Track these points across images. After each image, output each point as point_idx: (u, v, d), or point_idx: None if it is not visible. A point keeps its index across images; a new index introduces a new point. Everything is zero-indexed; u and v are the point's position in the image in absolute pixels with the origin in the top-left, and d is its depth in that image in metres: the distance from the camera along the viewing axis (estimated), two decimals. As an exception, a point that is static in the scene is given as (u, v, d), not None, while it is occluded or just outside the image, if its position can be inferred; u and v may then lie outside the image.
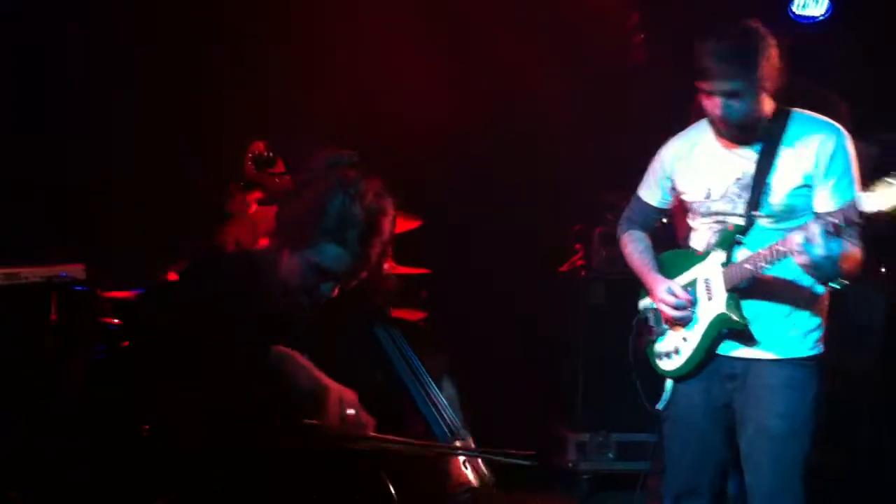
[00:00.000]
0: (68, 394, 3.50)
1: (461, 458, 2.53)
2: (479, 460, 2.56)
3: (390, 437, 2.33)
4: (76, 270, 3.37)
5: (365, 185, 2.35)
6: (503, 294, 4.62)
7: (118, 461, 3.26)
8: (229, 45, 4.37)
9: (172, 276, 3.83)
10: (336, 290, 2.38)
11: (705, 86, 2.67)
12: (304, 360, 2.30)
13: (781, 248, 2.60)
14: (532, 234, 4.61)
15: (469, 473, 2.56)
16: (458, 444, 2.56)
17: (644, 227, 3.05)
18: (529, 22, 4.52)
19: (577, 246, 4.37)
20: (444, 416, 2.55)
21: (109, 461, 3.27)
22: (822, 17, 4.42)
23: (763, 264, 2.67)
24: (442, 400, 2.59)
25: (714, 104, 2.68)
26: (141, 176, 4.19)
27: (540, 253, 4.52)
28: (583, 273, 4.30)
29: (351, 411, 2.27)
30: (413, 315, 4.00)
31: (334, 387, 2.28)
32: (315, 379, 2.28)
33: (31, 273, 3.28)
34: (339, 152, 2.40)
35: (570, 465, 4.20)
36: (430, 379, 2.60)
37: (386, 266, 2.66)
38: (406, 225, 3.95)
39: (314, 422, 2.24)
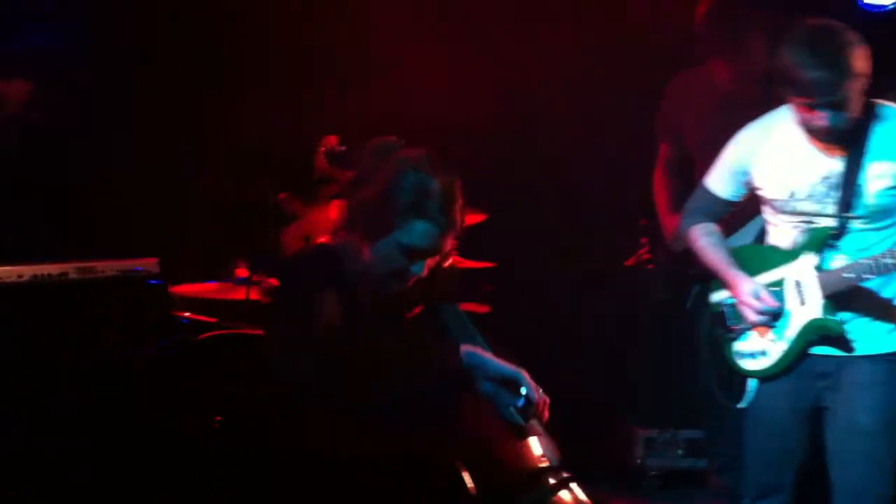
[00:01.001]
0: (138, 386, 3.58)
1: (538, 454, 2.51)
2: (558, 457, 2.55)
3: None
4: (150, 264, 3.43)
5: (427, 159, 2.35)
6: (567, 288, 4.61)
7: (187, 452, 3.33)
8: (292, 49, 4.41)
9: (241, 272, 3.90)
10: (398, 283, 2.37)
11: (803, 100, 2.58)
12: (484, 352, 2.38)
13: (890, 262, 2.56)
14: (596, 228, 4.59)
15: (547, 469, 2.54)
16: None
17: (712, 219, 2.94)
18: (577, 16, 4.51)
19: (643, 240, 4.34)
20: (517, 407, 2.54)
21: (179, 451, 3.34)
22: (892, 6, 4.33)
23: (867, 276, 2.61)
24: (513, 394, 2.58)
25: (818, 116, 2.58)
26: (211, 173, 4.24)
27: (605, 247, 4.50)
28: (649, 267, 4.28)
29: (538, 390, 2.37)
30: (478, 309, 4.01)
31: (519, 369, 2.37)
32: (504, 366, 2.37)
33: (107, 267, 3.33)
34: (387, 139, 2.40)
35: (637, 461, 4.18)
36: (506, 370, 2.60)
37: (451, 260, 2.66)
38: (472, 219, 3.96)
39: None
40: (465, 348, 2.38)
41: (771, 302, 2.73)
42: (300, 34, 4.39)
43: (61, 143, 4.00)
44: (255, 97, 4.31)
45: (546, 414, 2.45)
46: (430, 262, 2.39)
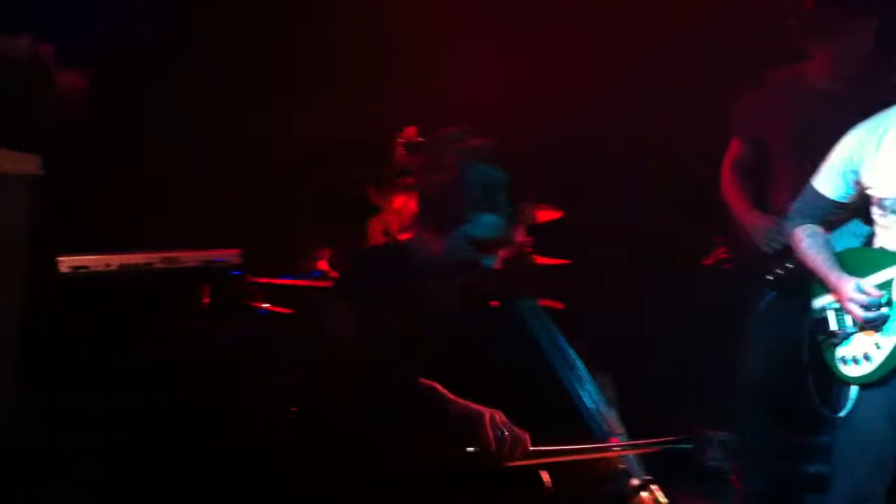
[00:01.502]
0: (218, 375, 3.65)
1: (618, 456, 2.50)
2: (638, 460, 2.53)
3: (548, 448, 2.35)
4: (232, 255, 3.50)
5: (490, 150, 2.37)
6: (641, 287, 4.57)
7: (264, 441, 3.39)
8: (377, 38, 4.44)
9: (322, 265, 3.95)
10: (460, 279, 2.40)
11: None
12: (444, 391, 2.35)
13: None
14: (671, 227, 4.55)
15: (627, 471, 2.53)
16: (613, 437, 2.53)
17: (818, 221, 2.91)
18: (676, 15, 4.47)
19: (719, 239, 4.28)
20: (600, 409, 2.53)
21: (255, 441, 3.40)
22: None
23: None
24: (598, 396, 2.57)
25: None
26: (293, 166, 4.30)
27: (683, 245, 4.45)
28: (726, 267, 4.22)
29: (505, 432, 2.31)
30: (552, 305, 4.01)
31: (484, 410, 2.33)
32: (464, 405, 2.34)
33: (190, 257, 3.41)
34: (454, 129, 2.41)
35: (711, 463, 4.14)
36: (587, 371, 2.59)
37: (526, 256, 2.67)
38: (547, 216, 3.97)
39: (474, 449, 2.30)
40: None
41: (875, 293, 2.66)
42: (376, 26, 4.42)
43: (146, 134, 4.09)
44: (337, 90, 4.35)
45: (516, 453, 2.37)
46: (504, 255, 2.40)
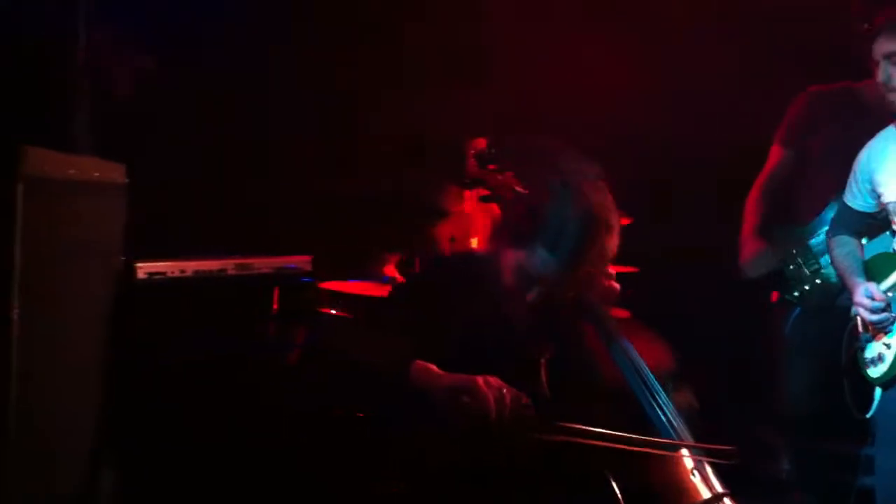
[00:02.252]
0: (290, 380, 3.71)
1: (689, 467, 2.48)
2: (710, 471, 2.50)
3: (580, 426, 2.27)
4: (303, 262, 3.56)
5: (592, 197, 2.32)
6: (710, 294, 4.54)
7: (332, 445, 3.43)
8: (446, 44, 4.47)
9: (390, 270, 4.00)
10: (541, 298, 2.38)
11: None
12: (436, 369, 2.26)
13: None
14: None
15: (699, 484, 2.50)
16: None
17: (852, 232, 3.07)
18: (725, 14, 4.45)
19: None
20: (672, 420, 2.51)
21: (325, 445, 3.44)
22: None
23: None
24: (669, 403, 2.55)
25: None
26: (362, 172, 4.35)
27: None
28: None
29: (503, 390, 2.22)
30: (619, 313, 3.99)
31: (476, 377, 2.24)
32: (455, 377, 2.24)
33: (263, 264, 3.48)
34: (583, 160, 2.39)
35: (783, 474, 4.10)
36: (657, 380, 2.58)
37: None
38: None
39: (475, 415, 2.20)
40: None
41: (879, 296, 2.77)
42: (452, 31, 4.46)
43: (220, 141, 4.17)
44: (407, 94, 4.39)
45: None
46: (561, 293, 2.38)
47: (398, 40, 4.45)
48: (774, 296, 3.97)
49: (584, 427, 2.28)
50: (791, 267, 3.57)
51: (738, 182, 4.38)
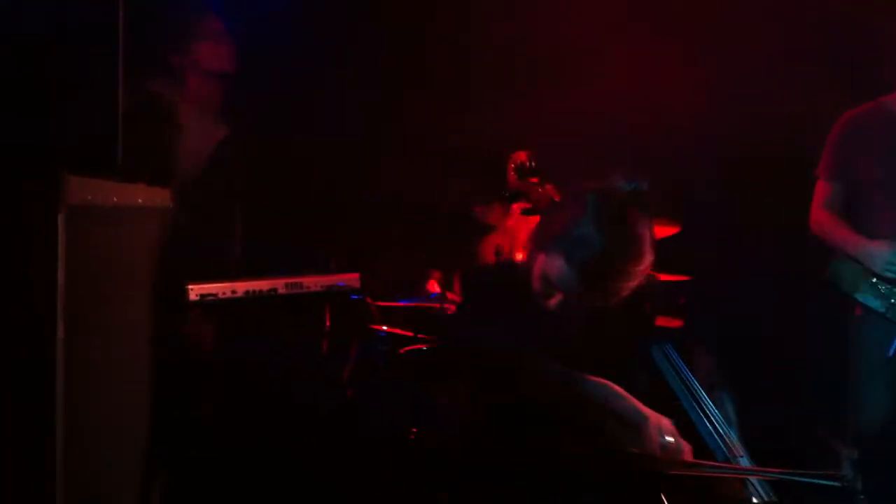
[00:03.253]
0: (343, 398, 3.74)
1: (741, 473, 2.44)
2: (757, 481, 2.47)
3: (705, 462, 2.29)
4: (352, 280, 3.60)
5: (619, 206, 2.28)
6: (765, 300, 4.47)
7: (383, 462, 3.45)
8: (489, 56, 4.47)
9: (432, 286, 4.01)
10: (561, 307, 2.35)
11: None
12: (618, 389, 2.30)
13: None
14: (798, 236, 4.42)
15: (750, 491, 2.46)
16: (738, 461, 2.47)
17: None
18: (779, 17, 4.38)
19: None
20: (721, 432, 2.47)
21: (376, 462, 3.46)
22: None
23: None
24: (717, 415, 2.51)
25: None
26: (402, 187, 4.37)
27: (808, 256, 4.32)
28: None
29: (670, 439, 2.25)
30: (671, 322, 3.95)
31: (653, 415, 2.26)
32: (635, 407, 2.27)
33: (313, 282, 3.52)
34: (628, 175, 2.35)
35: (843, 483, 3.99)
36: (704, 393, 2.54)
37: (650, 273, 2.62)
38: (665, 231, 3.92)
39: (635, 450, 2.24)
40: (593, 380, 2.32)
41: None
42: (494, 41, 4.45)
43: (272, 160, 4.23)
44: (452, 108, 4.40)
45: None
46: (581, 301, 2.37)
47: (435, 51, 4.46)
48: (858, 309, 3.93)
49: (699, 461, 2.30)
50: (893, 269, 3.52)
51: (790, 188, 4.32)
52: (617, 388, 2.30)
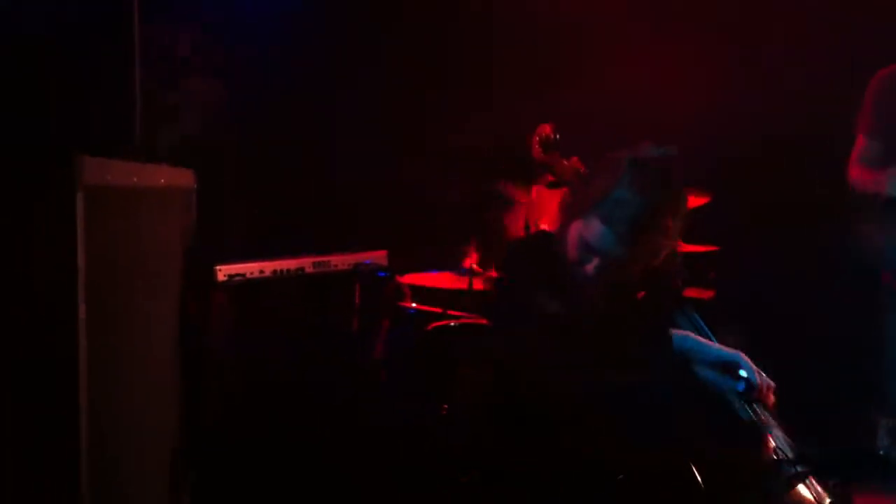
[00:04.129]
0: (373, 375, 3.74)
1: (773, 446, 2.42)
2: (787, 448, 2.43)
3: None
4: (380, 257, 3.59)
5: (656, 168, 2.30)
6: (798, 272, 4.41)
7: (417, 438, 3.45)
8: (513, 37, 4.45)
9: (469, 262, 3.99)
10: (599, 271, 2.35)
11: None
12: (698, 337, 2.35)
13: None
14: (829, 205, 4.36)
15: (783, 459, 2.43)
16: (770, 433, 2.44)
17: None
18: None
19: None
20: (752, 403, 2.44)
21: (411, 437, 3.46)
22: None
23: None
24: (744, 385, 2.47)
25: None
26: (430, 165, 4.36)
27: (841, 225, 4.26)
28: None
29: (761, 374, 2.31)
30: (702, 294, 3.91)
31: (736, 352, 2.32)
32: (721, 348, 2.32)
33: (340, 261, 3.52)
34: (656, 145, 2.36)
35: (881, 452, 3.93)
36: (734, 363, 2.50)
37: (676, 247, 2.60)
38: (696, 201, 3.87)
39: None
40: (677, 332, 2.33)
41: None
42: (519, 30, 4.44)
43: (298, 140, 4.23)
44: (476, 91, 4.40)
45: (771, 398, 2.36)
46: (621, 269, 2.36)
47: (469, 34, 4.44)
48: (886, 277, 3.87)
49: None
50: None
51: (819, 156, 4.26)
52: (697, 336, 2.34)
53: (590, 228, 2.32)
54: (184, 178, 2.87)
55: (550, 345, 2.29)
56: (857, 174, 3.76)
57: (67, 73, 2.17)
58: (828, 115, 4.12)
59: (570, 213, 2.42)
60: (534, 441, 2.34)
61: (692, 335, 2.35)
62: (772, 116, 4.41)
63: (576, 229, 2.36)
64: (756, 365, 2.41)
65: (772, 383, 2.35)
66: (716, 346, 2.35)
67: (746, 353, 2.50)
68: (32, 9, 2.04)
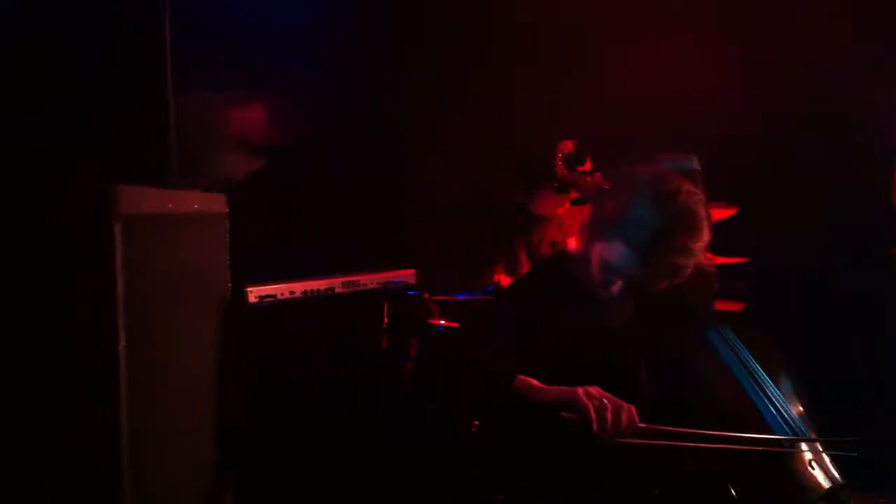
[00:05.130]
0: (405, 393, 3.76)
1: (807, 459, 2.40)
2: (828, 461, 2.42)
3: (671, 428, 2.17)
4: (408, 276, 3.62)
5: (675, 186, 2.28)
6: (830, 281, 4.38)
7: (448, 456, 3.46)
8: (530, 46, 4.47)
9: (499, 278, 4.01)
10: (625, 291, 2.34)
11: None
12: (535, 383, 2.21)
13: None
14: (856, 215, 4.34)
15: (819, 476, 2.39)
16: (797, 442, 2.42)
17: None
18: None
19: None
20: (785, 415, 2.43)
21: (440, 456, 3.47)
22: None
23: None
24: (781, 398, 2.47)
25: None
26: (460, 181, 4.38)
27: (867, 234, 4.24)
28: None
29: (604, 401, 2.14)
30: (732, 306, 3.90)
31: (577, 388, 2.17)
32: (555, 390, 2.19)
33: (369, 280, 3.55)
34: (678, 156, 2.37)
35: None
36: (767, 376, 2.50)
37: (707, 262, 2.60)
38: (721, 213, 3.87)
39: (569, 415, 2.13)
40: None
41: None
42: (541, 34, 4.44)
43: (319, 160, 4.27)
44: (496, 101, 4.40)
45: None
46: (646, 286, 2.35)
47: (487, 45, 4.45)
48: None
49: (691, 430, 2.20)
50: None
51: (847, 166, 4.24)
52: (535, 383, 2.21)
53: (612, 250, 2.31)
54: (216, 203, 2.91)
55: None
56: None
57: (100, 98, 2.21)
58: (856, 119, 4.08)
59: (590, 233, 2.41)
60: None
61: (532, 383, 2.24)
62: (797, 121, 4.36)
63: (598, 251, 2.35)
64: None
65: (623, 407, 2.16)
66: (550, 389, 2.21)
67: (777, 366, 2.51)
68: (66, 44, 2.09)
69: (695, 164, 2.39)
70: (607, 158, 2.85)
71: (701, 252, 2.33)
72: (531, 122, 4.16)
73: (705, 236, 2.32)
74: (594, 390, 2.16)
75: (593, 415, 2.10)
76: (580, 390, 2.15)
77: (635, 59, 4.33)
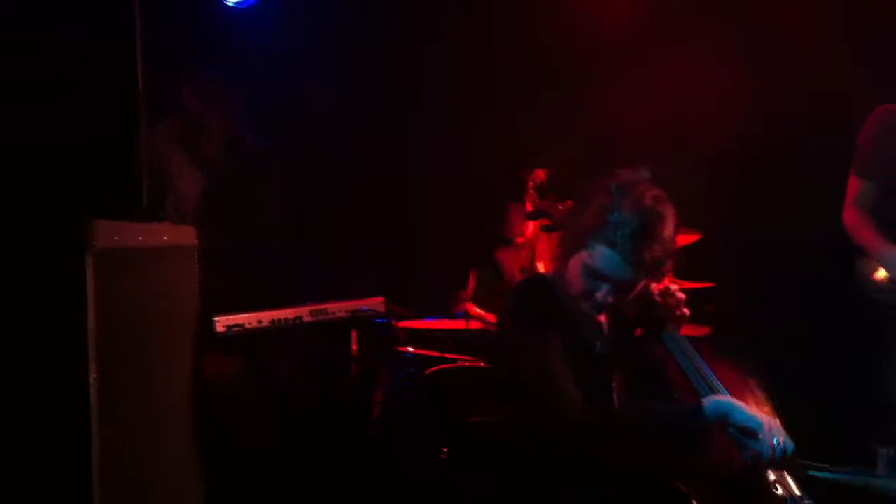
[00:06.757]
0: (375, 419, 3.75)
1: (771, 478, 2.44)
2: (791, 482, 2.46)
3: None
4: (377, 304, 3.61)
5: (642, 188, 2.37)
6: (798, 302, 4.45)
7: (418, 481, 3.46)
8: (507, 73, 4.51)
9: (467, 306, 4.02)
10: (611, 296, 2.39)
11: None
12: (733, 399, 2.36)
13: None
14: (824, 240, 4.40)
15: (780, 492, 2.46)
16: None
17: None
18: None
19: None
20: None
21: (408, 481, 3.47)
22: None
23: None
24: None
25: None
26: (430, 209, 4.39)
27: (836, 259, 4.30)
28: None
29: (780, 438, 2.31)
30: (698, 330, 3.94)
31: (765, 418, 2.33)
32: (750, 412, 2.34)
33: (338, 308, 3.54)
34: (631, 169, 2.44)
35: (880, 480, 3.95)
36: (725, 390, 2.54)
37: (674, 289, 2.66)
38: (686, 239, 3.92)
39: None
40: (711, 399, 2.36)
41: None
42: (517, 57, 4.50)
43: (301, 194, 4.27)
44: (474, 125, 4.44)
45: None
46: (629, 289, 2.40)
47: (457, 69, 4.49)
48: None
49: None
50: None
51: (811, 188, 4.30)
52: (732, 399, 2.37)
53: (594, 256, 2.37)
54: (185, 235, 2.89)
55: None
56: (851, 220, 3.69)
57: (73, 132, 2.19)
58: (818, 145, 4.14)
59: (567, 248, 2.46)
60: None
61: (726, 398, 2.38)
62: (768, 143, 4.43)
63: (578, 262, 2.40)
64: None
65: (787, 448, 2.34)
66: (745, 409, 2.36)
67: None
68: (40, 73, 2.07)
69: (646, 173, 2.47)
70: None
71: (671, 242, 2.40)
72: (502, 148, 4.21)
73: (672, 224, 2.41)
74: (775, 423, 2.35)
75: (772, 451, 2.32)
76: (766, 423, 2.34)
77: (635, 79, 4.38)
